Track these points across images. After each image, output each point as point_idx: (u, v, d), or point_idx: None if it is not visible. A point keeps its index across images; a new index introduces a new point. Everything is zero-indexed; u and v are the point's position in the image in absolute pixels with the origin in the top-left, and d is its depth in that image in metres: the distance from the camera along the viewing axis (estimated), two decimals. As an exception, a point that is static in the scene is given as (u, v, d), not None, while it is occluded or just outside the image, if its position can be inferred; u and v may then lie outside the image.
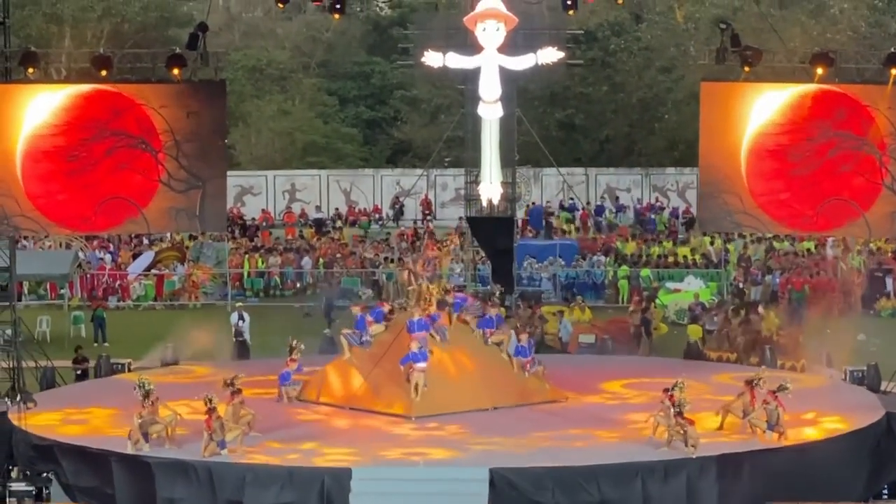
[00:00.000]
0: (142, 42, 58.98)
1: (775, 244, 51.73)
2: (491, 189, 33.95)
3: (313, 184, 62.81)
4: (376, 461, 25.22)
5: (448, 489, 24.29)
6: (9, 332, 32.03)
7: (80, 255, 49.60)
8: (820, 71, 32.61)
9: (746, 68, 33.19)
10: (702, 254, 51.76)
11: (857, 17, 60.20)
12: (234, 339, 36.81)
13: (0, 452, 27.61)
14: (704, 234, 51.61)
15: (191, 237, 52.99)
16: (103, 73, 32.38)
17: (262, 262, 52.06)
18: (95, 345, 41.01)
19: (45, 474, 26.53)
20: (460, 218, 39.73)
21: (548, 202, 60.72)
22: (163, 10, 68.25)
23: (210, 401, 25.55)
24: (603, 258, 51.22)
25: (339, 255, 52.47)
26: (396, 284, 45.48)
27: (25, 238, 46.88)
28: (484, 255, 41.16)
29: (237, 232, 57.37)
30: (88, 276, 49.70)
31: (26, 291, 48.24)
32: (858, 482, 26.69)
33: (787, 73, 33.71)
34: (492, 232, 37.10)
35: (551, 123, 63.66)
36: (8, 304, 32.37)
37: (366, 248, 53.52)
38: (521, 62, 32.94)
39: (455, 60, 33.36)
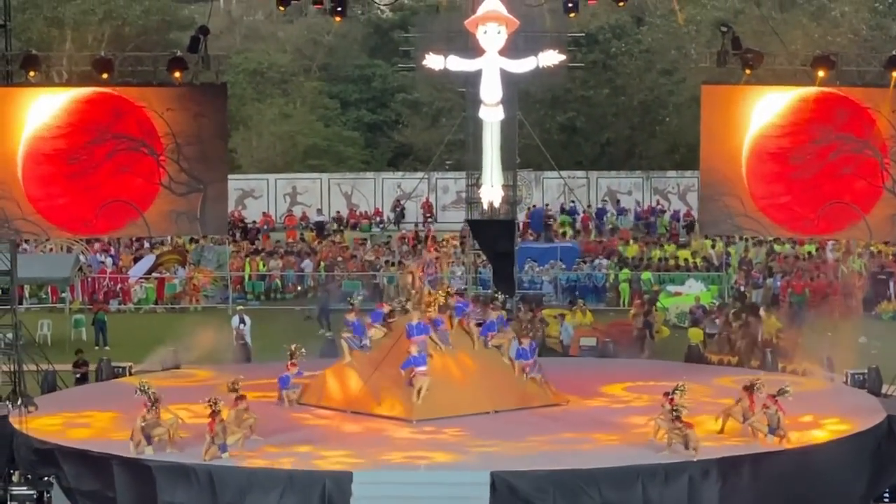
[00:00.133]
0: (143, 45, 58.94)
1: (776, 247, 51.70)
2: (492, 192, 33.95)
3: (314, 187, 62.77)
4: (377, 465, 25.22)
5: (449, 493, 24.29)
6: (10, 335, 32.00)
7: (81, 258, 49.59)
8: (821, 74, 32.63)
9: (747, 71, 33.20)
10: (703, 257, 51.72)
11: (858, 20, 60.16)
12: (235, 343, 36.82)
13: (1, 456, 27.59)
14: (705, 238, 51.59)
15: (192, 240, 52.98)
16: (104, 76, 32.40)
17: (264, 266, 52.04)
18: (96, 348, 41.04)
19: (46, 478, 26.52)
20: (467, 221, 39.70)
21: (546, 205, 60.66)
22: (164, 13, 68.24)
23: (215, 403, 25.56)
24: (605, 261, 51.21)
25: (339, 259, 52.46)
26: (398, 287, 45.49)
27: (26, 241, 46.87)
28: (485, 258, 41.15)
29: (238, 235, 57.35)
30: (89, 279, 49.69)
31: (27, 295, 48.24)
32: (859, 485, 26.69)
33: (788, 75, 33.71)
34: (493, 235, 37.11)
35: (552, 126, 63.62)
36: (9, 307, 32.37)
37: (366, 252, 53.51)
38: (522, 65, 32.94)
39: (456, 63, 33.36)
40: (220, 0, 73.55)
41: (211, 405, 25.55)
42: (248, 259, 52.37)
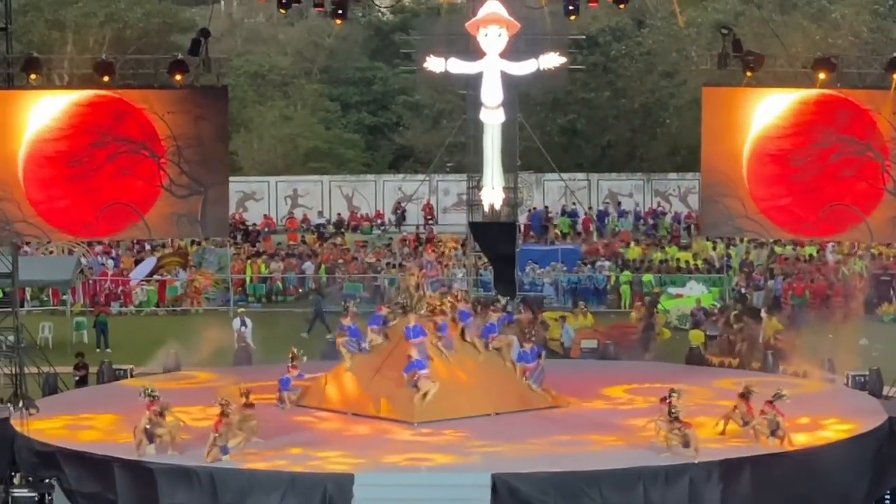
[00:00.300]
0: (144, 48, 58.95)
1: (777, 249, 51.71)
2: (493, 194, 33.93)
3: (315, 189, 62.84)
4: (378, 467, 25.22)
5: (450, 495, 24.29)
6: (11, 338, 32.00)
7: (83, 260, 49.61)
8: (822, 76, 32.63)
9: (748, 73, 33.21)
10: (704, 259, 51.73)
11: (858, 23, 60.19)
12: (236, 345, 36.84)
13: (2, 459, 27.59)
14: (706, 240, 51.60)
15: (193, 243, 53.00)
16: (105, 78, 32.39)
17: (265, 268, 52.06)
18: (98, 351, 41.04)
19: (47, 480, 26.52)
20: (468, 223, 39.70)
21: (546, 207, 60.70)
22: (165, 15, 68.31)
23: (227, 405, 25.60)
24: (607, 263, 51.22)
25: (340, 261, 52.48)
26: (399, 289, 45.49)
27: (27, 244, 46.88)
28: (486, 260, 41.14)
29: (239, 237, 57.37)
30: (91, 281, 49.71)
31: (29, 297, 48.29)
32: (861, 487, 26.67)
33: (788, 78, 33.71)
34: (494, 237, 37.09)
35: (553, 129, 63.67)
36: (10, 310, 32.39)
37: (367, 254, 53.53)
38: (523, 67, 32.93)
39: (457, 66, 33.35)
40: (221, 3, 73.71)
41: (222, 405, 25.58)
42: (249, 261, 52.38)
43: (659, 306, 43.57)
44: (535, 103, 58.45)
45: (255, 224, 60.90)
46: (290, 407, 29.79)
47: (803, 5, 62.83)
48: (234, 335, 37.10)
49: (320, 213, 61.96)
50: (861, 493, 26.69)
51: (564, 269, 50.12)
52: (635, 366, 35.61)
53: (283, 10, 35.42)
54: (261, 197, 62.49)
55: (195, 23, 61.25)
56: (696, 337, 37.96)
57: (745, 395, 26.78)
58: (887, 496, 27.51)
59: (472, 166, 37.67)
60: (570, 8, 34.30)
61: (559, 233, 57.59)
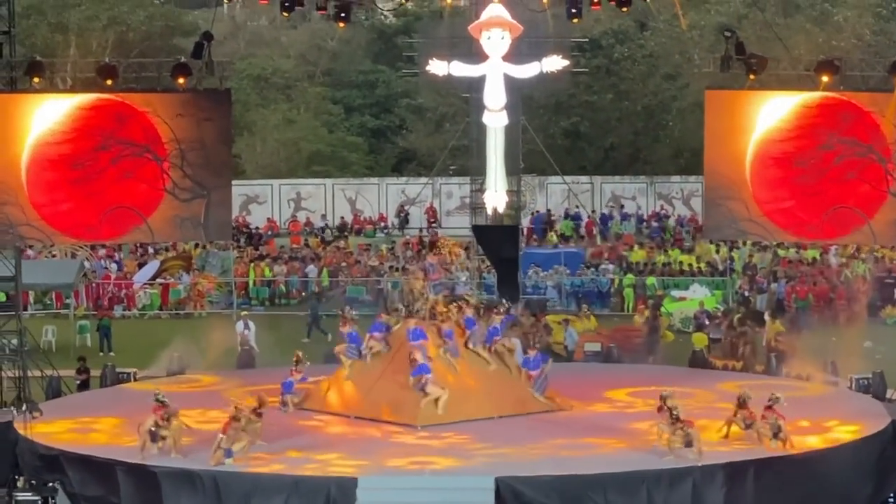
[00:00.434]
0: (147, 51, 59.09)
1: (780, 252, 51.70)
2: (496, 197, 33.92)
3: (318, 192, 62.87)
4: (382, 470, 25.20)
5: (453, 498, 24.26)
6: (15, 341, 32.00)
7: (86, 264, 49.64)
8: (825, 79, 32.61)
9: (751, 76, 33.20)
10: (707, 262, 51.72)
11: (861, 25, 60.19)
12: (239, 348, 36.83)
13: (6, 462, 27.59)
14: (710, 242, 51.59)
15: (196, 246, 53.01)
16: (109, 82, 32.40)
17: (269, 272, 52.07)
18: (101, 354, 41.09)
19: (50, 484, 26.55)
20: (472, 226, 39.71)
21: (548, 210, 60.70)
22: (168, 19, 68.37)
23: (240, 410, 25.62)
24: (611, 266, 51.20)
25: (344, 264, 52.49)
26: (402, 293, 45.49)
27: (31, 247, 46.92)
28: (489, 263, 41.13)
29: (242, 241, 57.40)
30: (94, 285, 49.74)
31: (32, 301, 48.34)
32: (865, 490, 26.64)
33: (791, 80, 33.70)
34: (497, 240, 37.08)
35: (556, 131, 63.69)
36: (14, 313, 32.40)
37: (370, 257, 53.53)
38: (526, 70, 32.91)
39: (460, 69, 33.33)
40: (224, 6, 73.58)
41: (236, 409, 25.62)
42: (252, 265, 52.39)
43: (662, 309, 43.56)
44: (537, 106, 58.46)
45: (258, 227, 60.93)
46: (292, 410, 29.77)
47: (806, 8, 62.84)
48: (238, 338, 37.08)
49: (323, 217, 62.00)
50: (865, 496, 26.65)
51: (568, 272, 50.10)
52: (639, 369, 35.58)
53: (286, 14, 35.48)
54: (264, 200, 62.52)
55: (198, 26, 61.22)
56: (699, 340, 37.94)
57: (742, 404, 26.77)
58: (891, 498, 27.47)
59: (475, 169, 37.67)
60: (573, 11, 34.36)
61: (555, 236, 57.41)
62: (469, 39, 33.48)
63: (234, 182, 37.09)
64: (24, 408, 28.92)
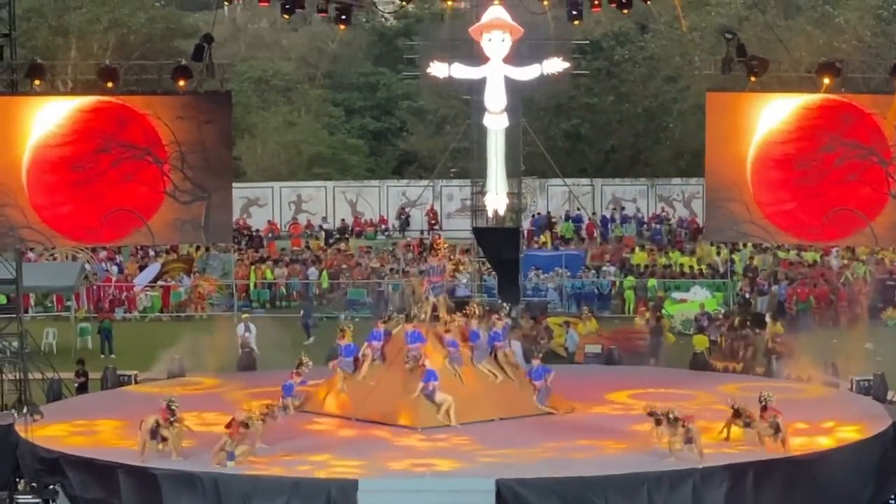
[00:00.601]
0: (148, 53, 59.08)
1: (780, 254, 51.68)
2: (497, 200, 33.91)
3: (319, 195, 62.86)
4: (382, 472, 25.21)
5: (454, 500, 24.27)
6: (15, 344, 32.01)
7: (87, 266, 49.65)
8: (826, 81, 32.59)
9: (752, 78, 33.19)
10: (708, 264, 51.71)
11: (862, 27, 60.20)
12: (240, 351, 36.83)
13: (7, 465, 27.60)
14: (711, 244, 51.58)
15: (197, 249, 53.01)
16: (109, 84, 32.41)
17: (271, 274, 52.07)
18: (102, 356, 41.09)
19: (51, 486, 26.55)
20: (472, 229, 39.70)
21: (548, 211, 60.67)
22: (168, 21, 68.34)
23: (251, 419, 25.63)
24: (612, 269, 51.17)
25: (344, 267, 52.49)
26: (402, 295, 45.49)
27: (31, 250, 46.92)
28: (490, 266, 41.12)
29: (243, 243, 57.40)
30: (95, 287, 49.74)
31: (33, 303, 48.32)
32: (865, 492, 26.64)
33: (793, 82, 33.70)
34: (498, 243, 37.06)
35: (557, 134, 63.71)
36: (14, 316, 32.40)
37: (371, 259, 53.54)
38: (527, 72, 32.92)
39: (460, 71, 33.34)
40: (225, 8, 73.52)
41: (248, 417, 25.64)
42: (253, 267, 52.39)
43: (663, 310, 43.55)
44: (538, 108, 58.47)
45: (258, 230, 60.92)
46: (293, 413, 29.75)
47: (807, 10, 62.85)
48: (238, 341, 37.10)
49: (324, 219, 61.98)
50: (866, 498, 26.65)
51: (568, 274, 50.09)
52: (639, 371, 35.60)
53: (286, 16, 35.47)
54: (265, 202, 62.53)
55: (199, 28, 61.30)
56: (700, 342, 37.93)
57: (738, 414, 26.77)
58: (892, 500, 27.45)
59: (475, 171, 37.70)
60: (574, 13, 34.35)
61: (546, 237, 57.24)
62: (470, 42, 33.49)
63: (234, 184, 37.07)
64: (24, 410, 28.91)
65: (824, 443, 26.70)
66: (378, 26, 75.07)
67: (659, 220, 60.98)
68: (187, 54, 35.39)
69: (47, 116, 32.31)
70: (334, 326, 38.66)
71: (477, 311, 31.08)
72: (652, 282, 49.34)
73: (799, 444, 26.19)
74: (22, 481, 27.35)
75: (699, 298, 46.27)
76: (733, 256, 51.14)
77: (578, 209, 59.72)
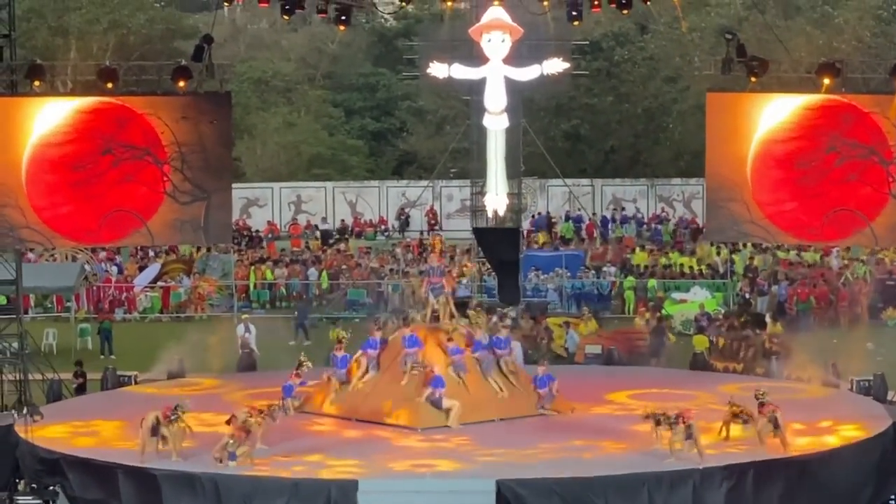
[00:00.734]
0: (147, 54, 59.08)
1: (779, 254, 51.67)
2: (497, 200, 33.90)
3: (319, 195, 62.87)
4: (382, 473, 25.20)
5: (454, 501, 24.27)
6: (15, 345, 32.00)
7: (87, 267, 49.64)
8: (826, 81, 32.58)
9: (753, 78, 33.18)
10: (708, 264, 51.69)
11: (861, 28, 60.23)
12: (240, 351, 36.83)
13: (7, 466, 27.59)
14: (711, 245, 51.57)
15: (198, 249, 53.01)
16: (109, 85, 32.38)
17: (271, 274, 52.07)
18: (102, 357, 41.08)
19: (51, 487, 26.53)
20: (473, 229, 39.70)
21: (548, 212, 60.67)
22: (168, 22, 68.38)
23: (249, 419, 25.64)
24: (612, 269, 51.16)
25: (344, 267, 52.48)
26: (403, 296, 45.49)
27: (31, 250, 46.90)
28: (490, 266, 41.11)
29: (243, 244, 57.40)
30: (95, 288, 49.73)
31: (33, 304, 48.32)
32: (865, 492, 26.63)
33: (793, 83, 33.69)
34: (498, 243, 37.05)
35: (557, 134, 63.73)
36: (14, 316, 32.39)
37: (371, 260, 53.53)
38: (527, 73, 32.90)
39: (460, 71, 33.32)
40: (225, 9, 73.64)
41: (248, 416, 25.67)
42: (252, 268, 52.39)
43: (663, 311, 43.55)
44: (538, 109, 58.48)
45: (258, 230, 60.92)
46: (293, 413, 29.74)
47: (807, 10, 62.89)
48: (238, 341, 37.10)
49: (324, 220, 61.97)
50: (866, 498, 26.65)
51: (568, 274, 50.08)
52: (640, 371, 35.60)
53: (286, 17, 35.46)
54: (264, 203, 62.54)
55: (198, 29, 61.30)
56: (700, 342, 37.92)
57: (737, 415, 26.79)
58: (892, 500, 27.44)
59: (475, 172, 37.68)
60: (573, 13, 34.35)
61: (541, 238, 57.20)
62: (469, 42, 33.47)
63: (234, 185, 37.07)
64: (24, 411, 28.90)
65: (824, 443, 26.69)
66: (378, 27, 75.10)
67: (659, 220, 60.98)
68: (187, 55, 35.37)
69: (47, 117, 32.27)
70: (334, 328, 38.77)
71: (481, 322, 31.07)
72: (652, 282, 49.34)
73: (799, 444, 26.18)
74: (22, 482, 27.34)
75: (699, 299, 46.27)
76: (733, 257, 51.14)
77: (579, 209, 59.71)
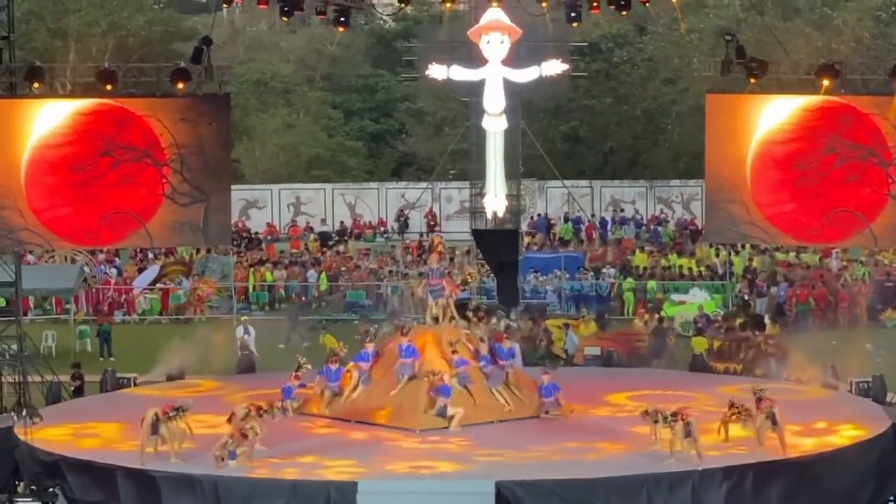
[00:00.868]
0: (146, 56, 59.08)
1: (778, 255, 51.65)
2: (496, 202, 33.91)
3: (318, 197, 62.85)
4: (381, 474, 25.19)
5: (454, 502, 24.26)
6: (14, 347, 32.00)
7: (86, 269, 49.63)
8: (826, 82, 32.60)
9: (752, 80, 33.18)
10: (707, 266, 51.68)
11: (860, 29, 60.25)
12: (239, 353, 36.82)
13: (6, 468, 27.58)
14: (710, 246, 51.55)
15: (198, 251, 53.01)
16: (108, 87, 32.41)
17: (270, 276, 52.05)
18: (101, 359, 41.06)
19: (51, 489, 26.51)
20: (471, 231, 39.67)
21: (545, 213, 60.65)
22: (167, 24, 68.41)
23: (251, 430, 25.64)
24: (612, 270, 51.13)
25: (343, 269, 52.47)
26: (402, 297, 45.49)
27: (30, 252, 46.89)
28: (489, 268, 41.09)
29: (242, 245, 57.38)
30: (94, 290, 49.72)
31: (32, 306, 48.31)
32: (864, 494, 26.63)
33: (792, 84, 33.72)
34: (497, 245, 37.07)
35: (555, 136, 63.73)
36: (14, 318, 32.39)
37: (370, 262, 53.52)
38: (525, 74, 32.90)
39: (459, 73, 33.32)
40: (224, 11, 73.72)
41: (247, 412, 25.73)
42: (252, 269, 52.38)
43: (662, 313, 43.53)
44: (537, 110, 58.49)
45: (257, 232, 60.91)
46: (292, 415, 29.73)
47: (805, 11, 62.92)
48: (238, 343, 37.09)
49: (323, 221, 61.96)
50: (865, 499, 26.64)
51: (567, 276, 50.06)
52: (639, 373, 35.58)
53: (285, 18, 35.45)
54: (264, 205, 62.52)
55: (197, 31, 61.37)
56: (699, 344, 37.90)
57: (736, 412, 26.79)
58: (891, 501, 27.44)
59: (474, 173, 37.67)
60: (572, 15, 34.34)
61: (530, 239, 57.12)
62: (468, 43, 33.46)
63: (233, 187, 37.08)
64: (24, 413, 28.87)
65: (824, 444, 26.68)
66: (377, 28, 75.11)
67: (658, 221, 60.97)
68: (186, 57, 35.40)
69: (46, 119, 32.30)
70: (334, 330, 38.80)
71: (481, 326, 31.04)
72: (651, 283, 49.32)
73: (798, 445, 26.17)
74: (21, 484, 27.32)
75: (698, 300, 46.26)
76: (732, 258, 51.12)
77: (578, 211, 59.69)
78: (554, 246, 55.87)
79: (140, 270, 52.41)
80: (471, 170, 39.13)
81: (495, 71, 32.61)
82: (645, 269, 51.28)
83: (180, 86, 32.62)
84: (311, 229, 61.21)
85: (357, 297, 49.62)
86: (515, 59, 32.86)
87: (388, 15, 66.31)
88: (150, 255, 53.78)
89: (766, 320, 38.97)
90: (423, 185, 58.86)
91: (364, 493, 24.01)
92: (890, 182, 32.62)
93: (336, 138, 69.43)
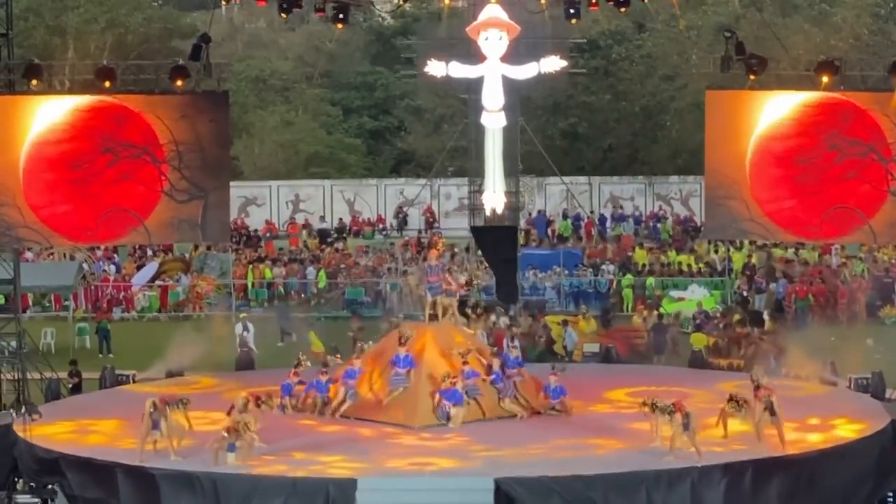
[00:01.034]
0: (145, 53, 59.06)
1: (777, 251, 51.64)
2: (494, 198, 33.89)
3: (317, 194, 62.75)
4: (381, 471, 25.21)
5: (453, 499, 24.27)
6: (14, 344, 32.00)
7: (85, 266, 49.62)
8: (825, 79, 32.60)
9: (751, 76, 33.17)
10: (706, 262, 51.67)
11: (859, 25, 60.22)
12: (238, 350, 36.83)
13: (5, 465, 27.59)
14: (709, 242, 51.53)
15: (196, 248, 52.98)
16: (107, 84, 32.40)
17: (269, 273, 52.04)
18: (100, 356, 41.06)
19: (50, 486, 26.54)
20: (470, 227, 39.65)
21: (544, 210, 60.61)
22: (166, 21, 68.31)
23: (246, 425, 25.64)
24: (611, 267, 51.12)
25: (342, 266, 52.45)
26: (400, 294, 45.46)
27: (29, 250, 46.88)
28: (488, 264, 41.07)
29: (241, 242, 57.36)
30: (93, 287, 49.70)
31: (31, 303, 48.30)
32: (864, 490, 26.65)
33: (791, 80, 33.70)
34: (496, 241, 37.05)
35: (554, 132, 63.65)
36: (13, 315, 32.39)
37: (369, 259, 53.50)
38: (524, 71, 32.88)
39: (458, 70, 33.29)
40: (222, 8, 73.59)
41: (246, 402, 25.83)
42: (251, 266, 52.37)
43: (661, 309, 43.54)
44: (536, 107, 58.42)
45: (256, 229, 60.88)
46: (291, 412, 29.75)
47: (804, 8, 62.90)
48: (237, 340, 37.09)
49: (322, 218, 61.89)
50: (864, 495, 26.67)
51: (566, 273, 50.05)
52: (638, 369, 35.60)
53: (284, 15, 35.47)
54: (262, 202, 62.43)
55: (196, 28, 61.16)
56: (698, 340, 37.90)
57: (736, 405, 26.81)
58: (890, 498, 27.47)
59: (473, 170, 37.65)
60: (571, 11, 34.36)
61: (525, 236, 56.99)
62: (467, 40, 33.44)
63: (232, 184, 37.04)
64: (23, 410, 28.90)
65: (822, 441, 26.69)
66: (375, 25, 75.04)
67: (657, 218, 60.93)
68: (185, 54, 35.39)
69: (45, 116, 32.30)
70: (333, 328, 38.77)
71: (480, 324, 31.03)
72: (650, 280, 49.32)
73: (797, 441, 26.18)
74: (20, 481, 27.34)
75: (697, 297, 46.27)
76: (731, 254, 51.12)
77: (577, 208, 59.67)
78: (552, 242, 55.84)
79: (139, 267, 52.40)
80: (470, 167, 39.12)
81: (494, 68, 32.59)
82: (644, 265, 51.28)
83: (179, 83, 32.61)
84: (308, 227, 61.15)
85: (356, 294, 49.62)
86: (514, 55, 32.83)
87: (386, 12, 66.58)
88: (149, 252, 53.73)
89: (765, 317, 38.94)
90: (422, 181, 58.81)
91: (364, 491, 24.02)
92: (889, 178, 32.63)
93: (335, 135, 69.35)
